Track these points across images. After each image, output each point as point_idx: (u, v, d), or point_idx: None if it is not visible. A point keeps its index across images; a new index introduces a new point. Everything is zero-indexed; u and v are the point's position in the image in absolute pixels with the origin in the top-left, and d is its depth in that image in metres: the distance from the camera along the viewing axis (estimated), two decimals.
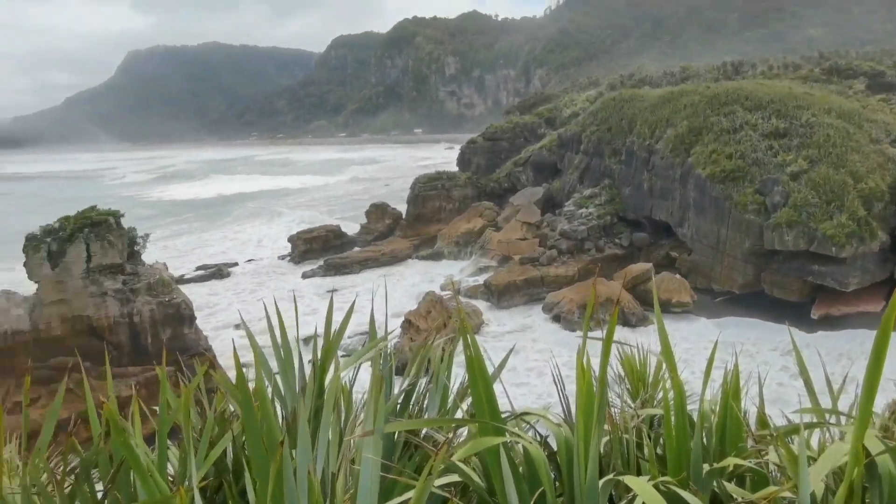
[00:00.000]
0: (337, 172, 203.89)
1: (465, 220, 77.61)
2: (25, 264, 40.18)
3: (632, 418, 2.88)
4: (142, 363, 39.48)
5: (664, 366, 3.50)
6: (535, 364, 44.91)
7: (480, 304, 57.80)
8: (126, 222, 42.52)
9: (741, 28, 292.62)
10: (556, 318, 54.11)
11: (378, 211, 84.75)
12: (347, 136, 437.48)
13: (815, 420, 2.69)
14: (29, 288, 41.56)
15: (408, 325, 44.85)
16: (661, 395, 3.53)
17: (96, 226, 40.63)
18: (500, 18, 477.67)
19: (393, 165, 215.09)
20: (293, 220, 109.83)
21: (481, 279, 63.66)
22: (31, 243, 40.20)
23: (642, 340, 4.10)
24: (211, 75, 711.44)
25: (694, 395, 2.86)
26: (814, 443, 2.77)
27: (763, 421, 2.88)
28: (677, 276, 57.49)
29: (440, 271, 70.93)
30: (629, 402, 3.46)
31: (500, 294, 58.74)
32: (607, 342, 2.28)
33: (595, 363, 2.40)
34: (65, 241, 39.87)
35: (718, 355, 2.93)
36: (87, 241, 39.95)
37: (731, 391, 2.72)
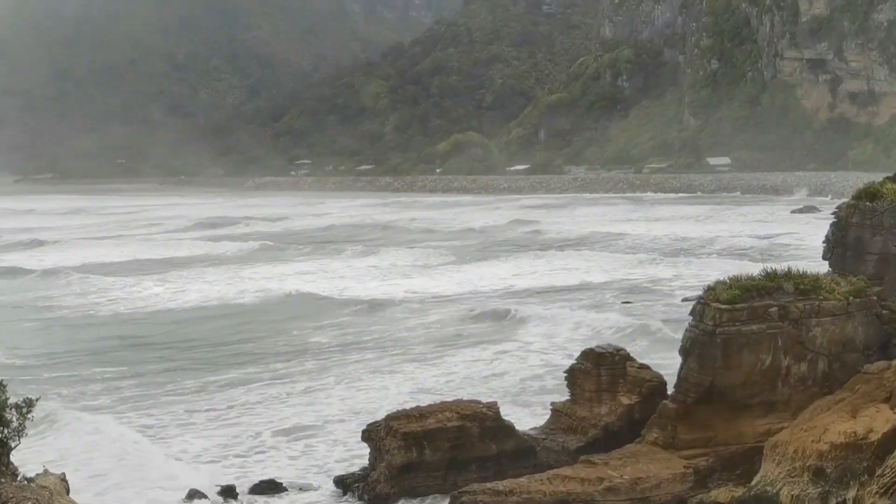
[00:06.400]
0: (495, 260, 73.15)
1: (845, 410, 20.27)
2: None
3: None
4: None
5: None
6: None
7: None
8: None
9: None
10: None
11: (599, 369, 24.57)
12: (520, 173, 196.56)
13: None
14: None
15: None
16: None
17: None
18: None
19: (644, 248, 79.95)
20: (377, 376, 34.42)
21: None
22: None
23: None
24: (213, 19, 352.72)
25: None
26: None
27: None
28: None
29: None
30: None
31: None
32: None
33: None
34: None
35: None
36: None
37: None
